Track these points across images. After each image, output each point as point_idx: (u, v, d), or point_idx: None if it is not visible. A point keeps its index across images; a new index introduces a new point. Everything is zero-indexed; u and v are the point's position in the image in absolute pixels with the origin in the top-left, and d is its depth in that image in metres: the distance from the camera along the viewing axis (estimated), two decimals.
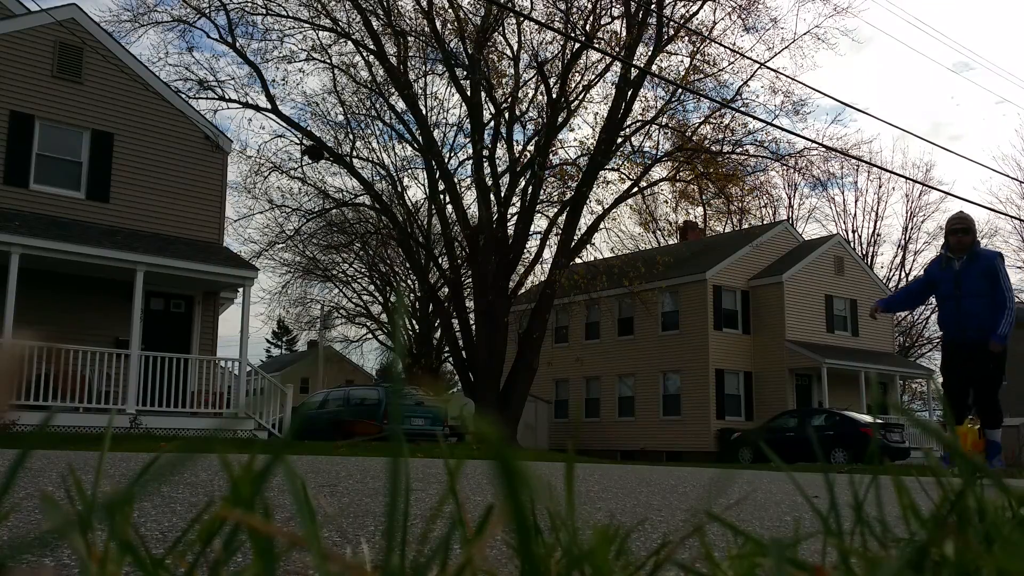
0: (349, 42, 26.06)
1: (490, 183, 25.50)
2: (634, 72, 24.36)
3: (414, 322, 39.92)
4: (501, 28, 25.65)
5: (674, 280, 30.30)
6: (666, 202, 33.44)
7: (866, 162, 32.20)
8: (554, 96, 25.52)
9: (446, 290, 30.91)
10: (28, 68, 16.19)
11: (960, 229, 6.89)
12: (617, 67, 25.24)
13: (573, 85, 26.00)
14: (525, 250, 26.19)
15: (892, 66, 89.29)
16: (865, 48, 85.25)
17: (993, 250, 7.22)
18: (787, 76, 23.37)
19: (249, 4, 25.00)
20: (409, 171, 31.47)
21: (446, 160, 26.85)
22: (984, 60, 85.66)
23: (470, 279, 27.95)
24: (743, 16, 26.01)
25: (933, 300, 7.29)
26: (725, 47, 23.66)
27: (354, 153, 28.11)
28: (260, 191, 28.64)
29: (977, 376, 6.76)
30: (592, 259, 27.57)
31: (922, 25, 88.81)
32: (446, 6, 25.39)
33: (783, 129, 28.15)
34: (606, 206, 26.20)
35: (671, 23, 25.07)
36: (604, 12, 25.57)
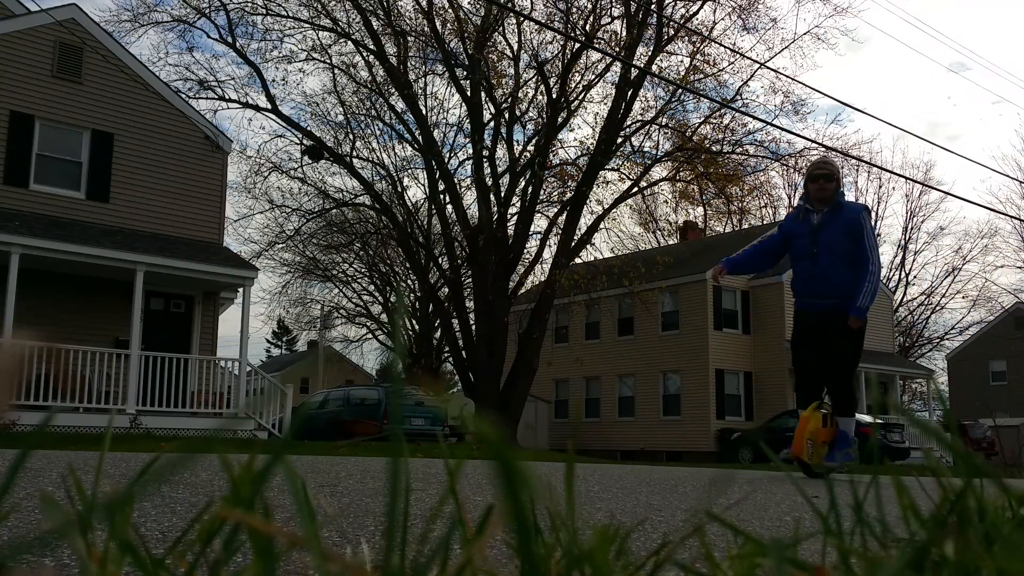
0: (349, 42, 26.09)
1: (490, 183, 25.50)
2: (634, 72, 24.36)
3: (414, 322, 39.92)
4: (501, 28, 25.66)
5: (674, 280, 30.29)
6: (666, 202, 33.49)
7: (866, 162, 32.22)
8: (554, 96, 25.53)
9: (446, 290, 30.91)
10: (28, 68, 16.19)
11: (823, 175, 5.81)
12: (617, 67, 25.25)
13: (573, 85, 26.02)
14: (525, 250, 26.21)
15: (890, 66, 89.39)
16: (864, 48, 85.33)
17: (859, 203, 6.19)
18: (787, 76, 23.38)
19: (249, 4, 25.04)
20: (409, 171, 31.55)
21: (446, 160, 26.86)
22: (982, 60, 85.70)
23: (470, 279, 27.95)
24: (743, 16, 26.04)
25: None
26: (725, 47, 23.67)
27: (354, 153, 28.14)
28: (260, 191, 28.74)
29: (829, 352, 5.73)
30: (592, 259, 27.57)
31: (921, 25, 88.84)
32: (446, 6, 25.43)
33: (783, 129, 28.16)
34: (606, 206, 26.23)
35: (671, 23, 25.08)
36: (604, 12, 25.60)
